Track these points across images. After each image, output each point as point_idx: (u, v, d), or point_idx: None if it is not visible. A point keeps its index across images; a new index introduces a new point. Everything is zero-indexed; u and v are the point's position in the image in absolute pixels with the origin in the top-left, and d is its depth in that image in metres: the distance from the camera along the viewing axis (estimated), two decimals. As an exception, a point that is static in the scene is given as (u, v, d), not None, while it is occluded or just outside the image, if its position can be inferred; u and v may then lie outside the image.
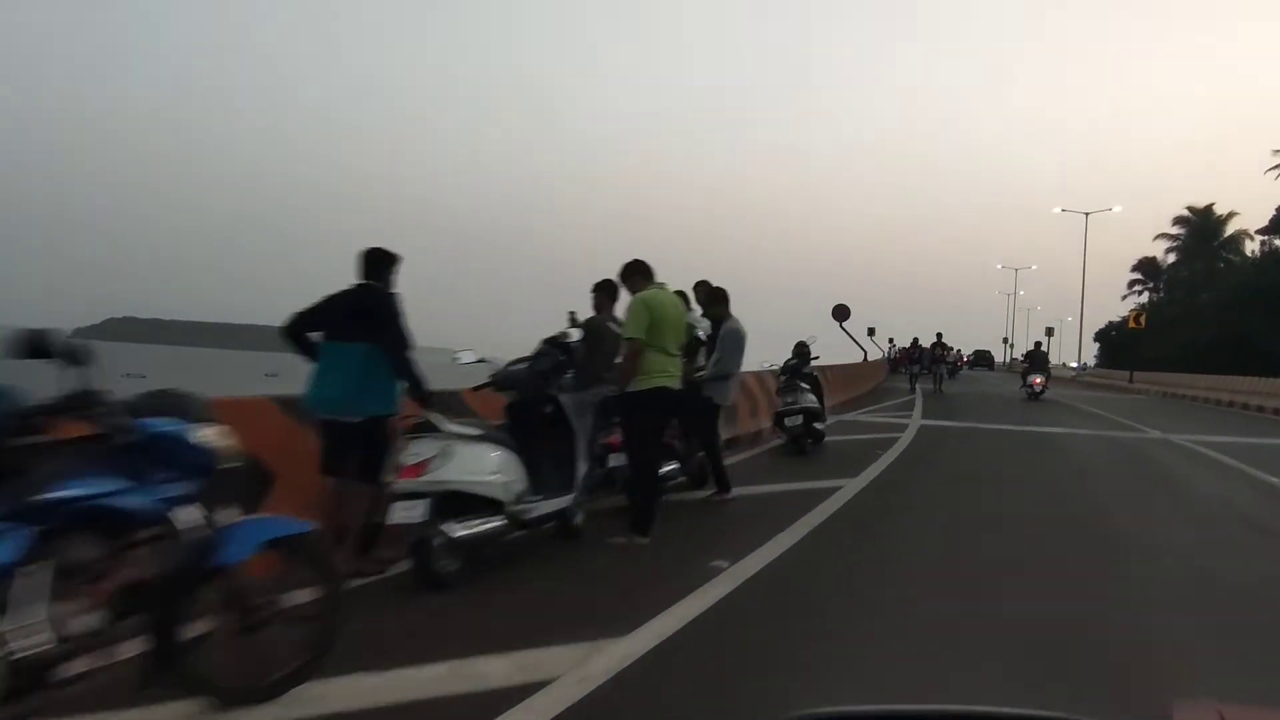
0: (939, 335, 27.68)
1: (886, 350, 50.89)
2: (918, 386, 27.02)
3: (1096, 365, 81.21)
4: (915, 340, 28.61)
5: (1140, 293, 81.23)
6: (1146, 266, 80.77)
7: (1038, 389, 25.14)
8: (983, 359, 74.96)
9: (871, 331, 55.60)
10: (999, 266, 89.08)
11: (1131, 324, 40.38)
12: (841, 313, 29.97)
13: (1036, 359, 26.82)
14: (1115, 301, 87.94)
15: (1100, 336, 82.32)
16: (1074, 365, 70.31)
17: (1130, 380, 40.53)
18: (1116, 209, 47.16)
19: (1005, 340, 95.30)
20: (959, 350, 54.46)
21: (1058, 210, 48.06)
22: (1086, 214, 47.26)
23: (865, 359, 30.21)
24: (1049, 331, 63.50)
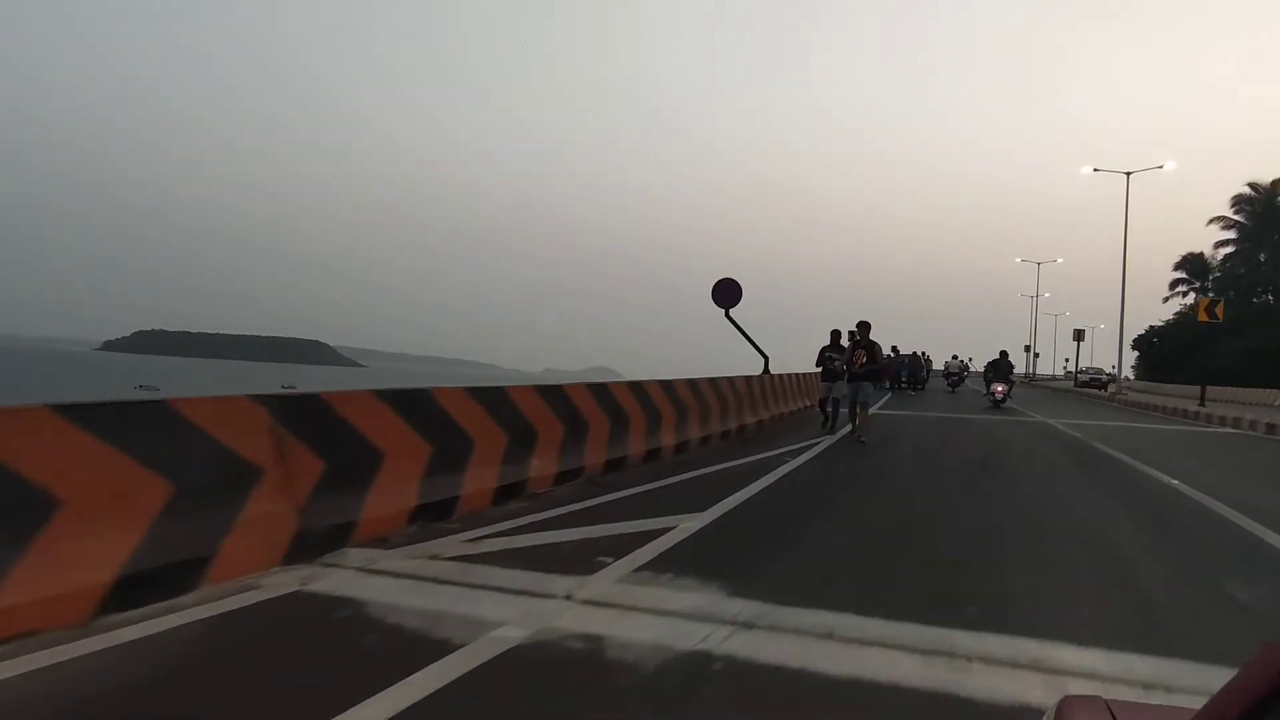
0: (860, 330, 13.94)
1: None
2: (846, 411, 14.83)
3: (1135, 377, 69.03)
4: (833, 337, 15.98)
5: (1185, 294, 69.42)
6: (1192, 264, 68.94)
7: (999, 396, 26.19)
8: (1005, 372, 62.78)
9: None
10: (1018, 260, 75.91)
11: (1202, 316, 27.88)
12: (726, 295, 17.87)
13: (1000, 367, 27.27)
14: (1155, 305, 75.31)
15: (1140, 344, 69.97)
16: (1107, 374, 57.60)
17: (1202, 401, 27.87)
18: (1169, 165, 34.39)
19: (1027, 348, 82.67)
20: (922, 354, 42.22)
21: (1089, 170, 35.43)
22: (1128, 174, 34.67)
23: (765, 369, 18.07)
24: (1078, 335, 51.10)
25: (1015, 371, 29.08)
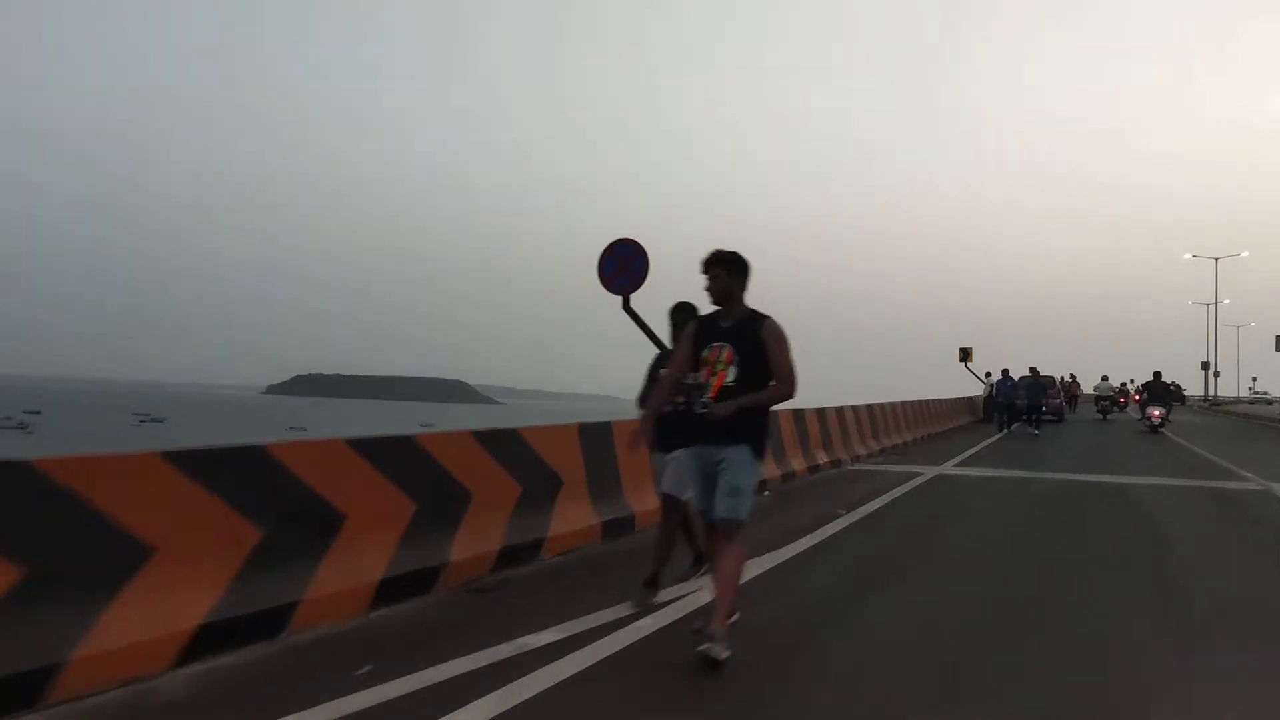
0: (715, 289, 4.36)
1: (985, 385, 30.77)
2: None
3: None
4: (677, 319, 5.33)
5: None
6: None
7: (1156, 421, 25.38)
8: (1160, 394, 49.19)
9: (966, 355, 34.90)
10: (1188, 256, 63.02)
11: None
12: (621, 270, 10.13)
13: (1155, 390, 26.51)
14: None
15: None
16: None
17: None
18: None
19: (1205, 365, 68.79)
20: (1067, 378, 32.55)
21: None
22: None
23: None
24: (1281, 343, 39.30)
25: (1185, 393, 20.97)
